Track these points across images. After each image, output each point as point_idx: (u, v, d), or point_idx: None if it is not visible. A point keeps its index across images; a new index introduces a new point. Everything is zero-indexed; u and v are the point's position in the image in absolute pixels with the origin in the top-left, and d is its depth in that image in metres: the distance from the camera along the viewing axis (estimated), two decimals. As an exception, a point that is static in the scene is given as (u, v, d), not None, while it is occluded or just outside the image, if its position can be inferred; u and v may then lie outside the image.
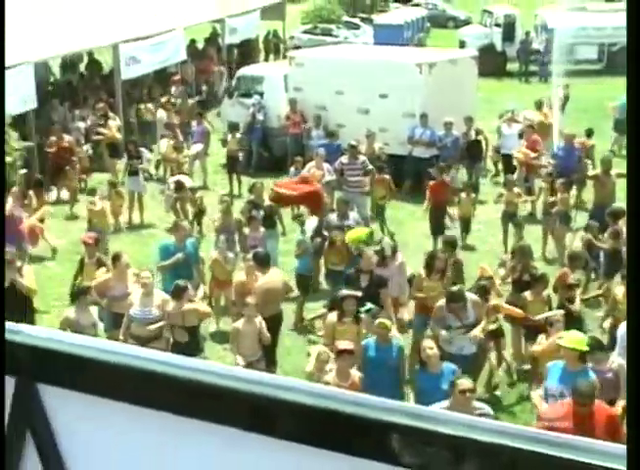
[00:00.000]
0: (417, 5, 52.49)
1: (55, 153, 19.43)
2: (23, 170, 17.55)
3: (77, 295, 10.75)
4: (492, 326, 11.10)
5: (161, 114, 23.68)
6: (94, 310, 10.79)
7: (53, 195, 19.31)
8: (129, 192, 17.93)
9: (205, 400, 2.05)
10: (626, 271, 10.60)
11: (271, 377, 2.07)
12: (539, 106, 21.91)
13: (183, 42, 27.33)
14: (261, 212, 14.48)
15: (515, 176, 18.08)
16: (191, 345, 10.58)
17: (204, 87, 29.63)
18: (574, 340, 8.83)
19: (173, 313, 10.56)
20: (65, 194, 19.15)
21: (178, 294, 10.59)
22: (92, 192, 18.77)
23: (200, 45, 32.35)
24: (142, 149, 19.18)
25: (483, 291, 11.08)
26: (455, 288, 10.70)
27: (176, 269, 12.18)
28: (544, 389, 8.99)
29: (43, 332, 2.37)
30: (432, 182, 16.63)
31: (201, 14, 28.83)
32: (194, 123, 21.59)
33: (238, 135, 20.73)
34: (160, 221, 17.68)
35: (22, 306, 11.14)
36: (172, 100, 24.68)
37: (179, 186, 16.91)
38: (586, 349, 8.71)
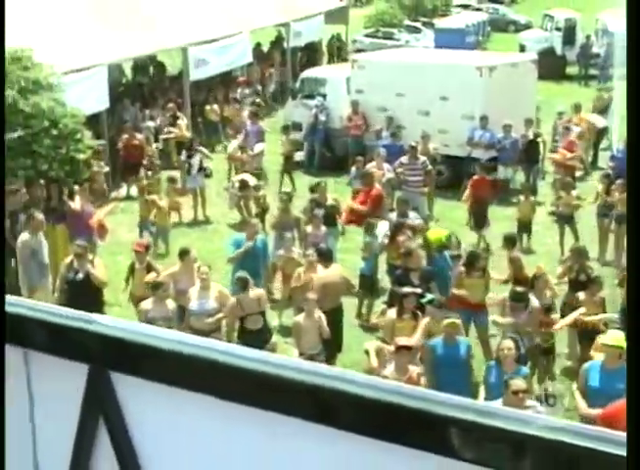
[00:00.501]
0: (478, 9, 52.04)
1: (126, 150, 19.67)
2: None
3: (153, 288, 10.86)
4: (546, 345, 11.04)
5: (227, 114, 23.88)
6: (170, 303, 10.86)
7: (123, 191, 19.56)
8: (191, 189, 18.09)
9: (269, 392, 2.06)
10: (627, 271, 10.43)
11: (335, 370, 2.07)
12: (597, 109, 21.62)
13: (249, 45, 27.46)
14: (323, 211, 14.50)
15: (558, 178, 18.04)
16: (263, 331, 10.82)
17: (268, 89, 29.74)
18: (615, 338, 8.72)
19: (247, 301, 10.72)
20: (134, 190, 19.38)
21: (244, 285, 10.77)
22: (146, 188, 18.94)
23: (265, 48, 32.48)
24: (202, 148, 19.33)
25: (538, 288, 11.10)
26: (521, 289, 10.66)
27: (245, 264, 12.26)
28: (585, 388, 8.84)
29: (115, 322, 2.40)
30: (473, 178, 16.68)
31: (267, 18, 28.96)
32: (249, 123, 21.64)
33: (293, 136, 20.85)
34: (223, 218, 17.81)
35: (93, 298, 11.31)
36: (237, 101, 24.84)
37: (243, 185, 17.02)
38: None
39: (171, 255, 15.44)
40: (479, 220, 16.50)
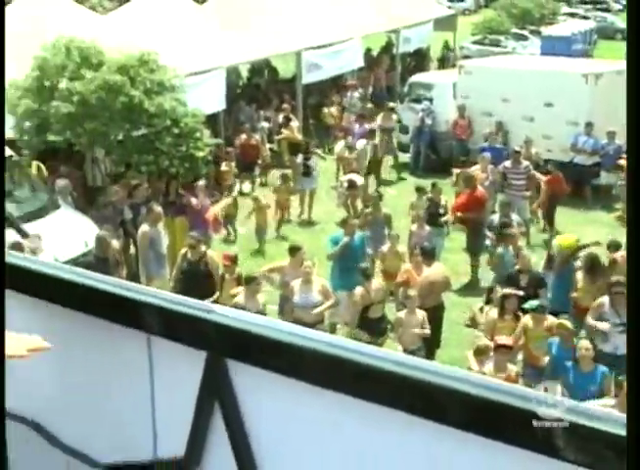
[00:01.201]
0: (585, 18, 50.81)
1: (242, 149, 19.95)
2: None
3: (247, 282, 10.91)
4: None
5: (336, 116, 23.94)
6: (261, 298, 10.92)
7: (237, 188, 19.82)
8: (302, 190, 18.20)
9: (379, 385, 2.05)
10: (627, 271, 9.95)
11: (439, 366, 2.05)
12: None
13: (360, 50, 27.46)
14: (435, 210, 14.51)
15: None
16: (383, 320, 11.00)
17: (376, 92, 29.69)
18: None
19: (372, 290, 10.86)
20: (247, 187, 19.62)
21: (367, 275, 10.99)
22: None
23: (375, 53, 32.43)
24: (317, 149, 19.40)
25: None
26: (622, 278, 10.29)
27: (344, 260, 12.27)
28: None
29: (233, 313, 2.43)
30: (548, 176, 16.45)
31: (377, 24, 28.90)
32: (356, 125, 21.63)
33: (400, 138, 20.81)
34: (330, 216, 17.87)
35: (207, 288, 11.45)
36: (346, 104, 24.89)
37: (351, 184, 17.05)
38: None
39: (265, 253, 15.61)
40: (549, 219, 16.48)
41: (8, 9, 20.26)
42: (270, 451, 2.37)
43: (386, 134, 21.44)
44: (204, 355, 2.43)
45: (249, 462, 2.38)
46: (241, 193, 19.00)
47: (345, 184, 17.32)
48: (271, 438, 2.37)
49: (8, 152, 14.44)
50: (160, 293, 2.65)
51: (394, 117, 22.20)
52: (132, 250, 13.99)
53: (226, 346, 2.38)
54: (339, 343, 2.14)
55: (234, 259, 11.99)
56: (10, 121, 15.03)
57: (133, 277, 12.52)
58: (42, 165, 15.53)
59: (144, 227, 12.68)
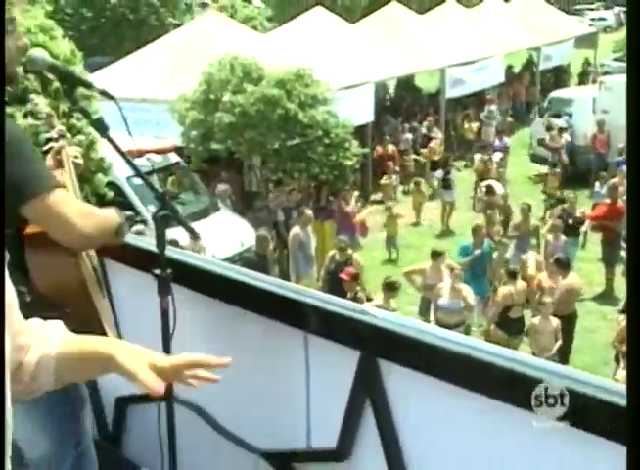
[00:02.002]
0: None
1: (379, 159, 20.09)
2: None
3: (385, 288, 10.78)
4: None
5: (475, 130, 23.60)
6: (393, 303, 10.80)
7: (378, 195, 19.81)
8: (443, 202, 18.04)
9: (527, 391, 1.98)
10: (627, 270, 9.11)
11: (583, 374, 1.97)
12: None
13: (502, 67, 26.96)
14: (567, 221, 14.07)
15: None
16: (521, 321, 10.89)
17: (515, 107, 29.10)
18: None
19: (516, 291, 10.73)
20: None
21: (513, 276, 10.91)
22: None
23: (516, 70, 31.77)
24: (456, 163, 19.17)
25: None
26: None
27: (473, 268, 12.07)
28: None
29: (386, 315, 2.41)
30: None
31: (519, 41, 28.32)
32: (497, 140, 21.25)
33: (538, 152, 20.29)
34: (466, 225, 17.59)
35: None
36: (485, 118, 24.48)
37: (490, 190, 16.72)
38: None
39: (400, 260, 15.44)
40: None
41: (178, 31, 21.03)
42: (418, 450, 2.34)
43: (556, 154, 20.82)
44: (357, 355, 2.42)
45: (397, 459, 2.35)
46: (381, 200, 18.99)
47: (484, 190, 17.01)
48: (419, 437, 2.33)
49: (175, 158, 14.98)
50: (317, 293, 2.66)
51: (565, 136, 21.34)
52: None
53: (378, 346, 2.36)
54: (489, 349, 2.09)
55: (355, 277, 11.65)
56: (178, 131, 15.55)
57: (284, 276, 12.71)
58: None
59: (295, 229, 12.85)
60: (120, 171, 12.16)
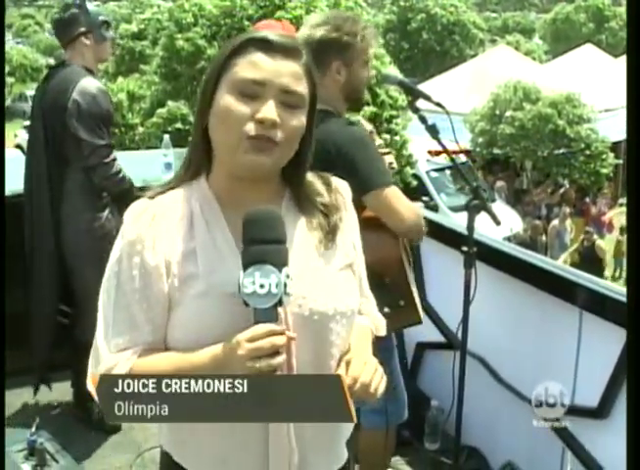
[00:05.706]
0: None
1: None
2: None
3: None
4: None
5: None
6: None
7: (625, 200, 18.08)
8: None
9: None
10: (627, 269, 6.37)
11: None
12: None
13: None
14: None
15: None
16: None
17: None
18: None
19: None
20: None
21: None
22: None
23: None
24: None
25: None
26: None
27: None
28: None
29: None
30: None
31: None
32: None
33: None
34: None
35: (597, 269, 10.60)
36: None
37: None
38: None
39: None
40: None
41: (475, 60, 20.50)
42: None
43: None
44: (623, 333, 2.17)
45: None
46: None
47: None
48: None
49: (463, 158, 14.69)
50: (591, 278, 2.44)
51: None
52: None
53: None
54: None
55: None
56: (468, 137, 15.30)
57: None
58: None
59: (554, 222, 12.28)
60: (422, 166, 12.20)
